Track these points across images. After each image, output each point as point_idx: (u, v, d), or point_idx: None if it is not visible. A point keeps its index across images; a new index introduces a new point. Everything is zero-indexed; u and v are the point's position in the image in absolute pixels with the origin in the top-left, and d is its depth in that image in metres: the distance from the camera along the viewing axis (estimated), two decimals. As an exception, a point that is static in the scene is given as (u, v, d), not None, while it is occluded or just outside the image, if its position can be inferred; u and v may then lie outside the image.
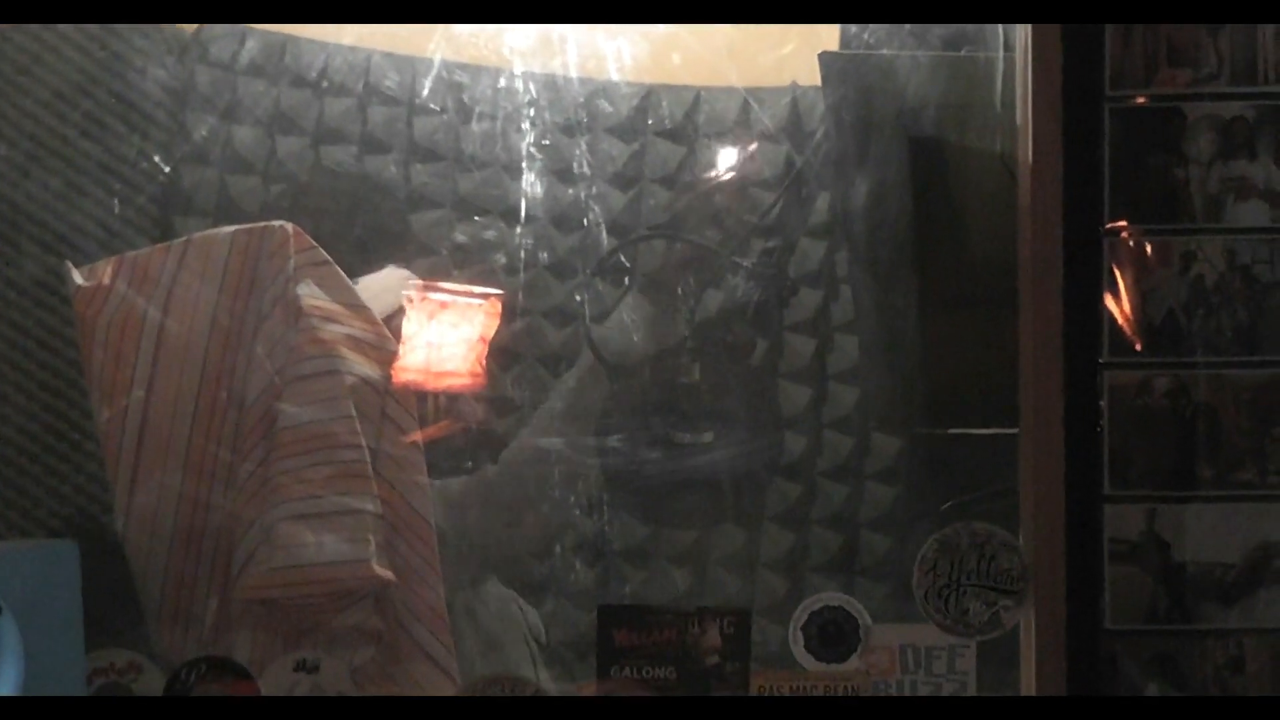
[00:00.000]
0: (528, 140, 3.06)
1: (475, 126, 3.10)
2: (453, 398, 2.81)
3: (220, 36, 3.14)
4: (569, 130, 3.11)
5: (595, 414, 2.93)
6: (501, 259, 3.04)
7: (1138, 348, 2.46)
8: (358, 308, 2.72)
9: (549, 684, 2.93)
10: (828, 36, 2.95)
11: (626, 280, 2.95)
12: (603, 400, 2.93)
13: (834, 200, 3.06)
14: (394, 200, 3.13)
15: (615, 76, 3.09)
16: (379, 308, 2.75)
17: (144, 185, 3.04)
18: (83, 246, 2.94)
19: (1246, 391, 2.45)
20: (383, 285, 2.81)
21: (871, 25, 2.88)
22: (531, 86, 3.05)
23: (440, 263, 2.99)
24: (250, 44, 3.15)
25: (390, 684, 2.67)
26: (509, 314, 2.85)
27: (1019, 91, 2.54)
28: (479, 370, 2.78)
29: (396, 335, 2.73)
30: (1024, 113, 2.51)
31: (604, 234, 3.08)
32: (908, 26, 2.84)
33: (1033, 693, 2.46)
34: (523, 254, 3.05)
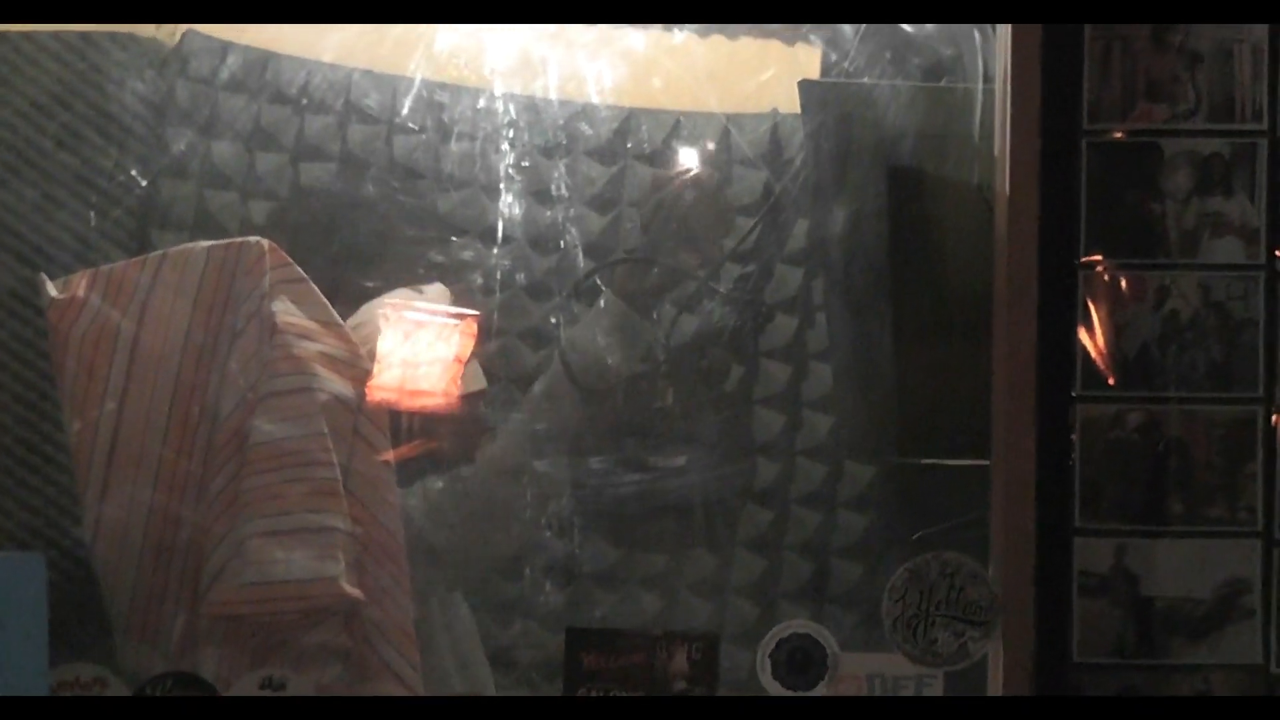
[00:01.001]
0: (507, 161, 3.06)
1: (454, 146, 3.10)
2: (426, 417, 2.80)
3: (200, 50, 3.13)
4: (548, 152, 3.10)
5: (565, 433, 2.93)
6: (478, 279, 3.03)
7: (1111, 382, 2.46)
8: (332, 325, 2.72)
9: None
10: (808, 64, 2.96)
11: (601, 303, 2.95)
12: (573, 420, 2.92)
13: (812, 227, 3.06)
14: (372, 218, 3.12)
15: (595, 99, 3.09)
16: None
17: (121, 198, 3.03)
18: (58, 258, 2.93)
19: (1218, 428, 2.46)
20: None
21: (852, 53, 2.88)
22: (511, 108, 3.04)
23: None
24: (231, 59, 3.13)
25: (357, 703, 2.66)
26: (484, 334, 2.84)
27: (997, 123, 2.55)
28: (453, 390, 2.78)
29: (372, 354, 2.73)
30: (1002, 144, 2.52)
31: (581, 256, 3.07)
32: (888, 55, 2.85)
33: (999, 724, 2.46)
34: (499, 275, 3.04)
